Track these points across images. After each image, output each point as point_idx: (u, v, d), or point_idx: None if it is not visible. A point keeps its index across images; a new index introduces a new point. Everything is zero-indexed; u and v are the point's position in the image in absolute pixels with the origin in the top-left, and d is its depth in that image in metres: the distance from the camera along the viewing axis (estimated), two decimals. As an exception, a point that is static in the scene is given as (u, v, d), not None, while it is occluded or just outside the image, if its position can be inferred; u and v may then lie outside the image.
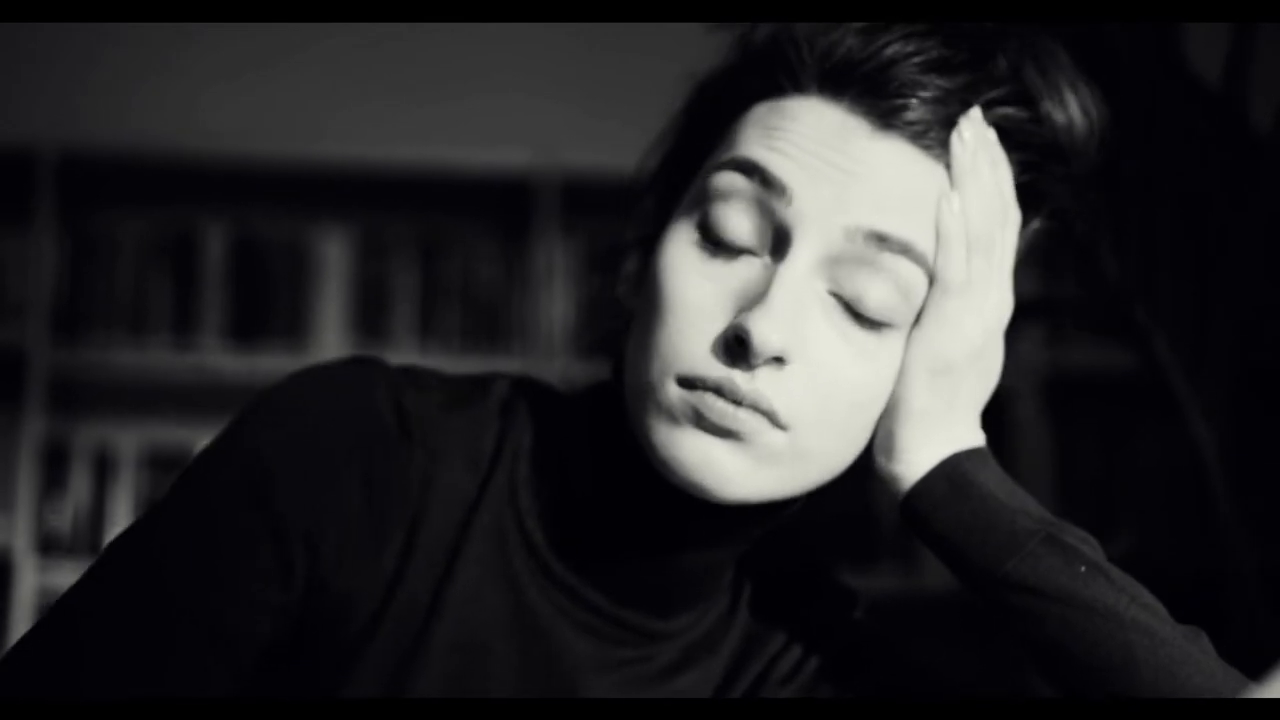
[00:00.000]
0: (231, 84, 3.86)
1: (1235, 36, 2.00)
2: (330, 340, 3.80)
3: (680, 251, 1.01)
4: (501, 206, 3.87)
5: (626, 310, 1.09)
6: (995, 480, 1.03)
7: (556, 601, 1.07)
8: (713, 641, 1.12)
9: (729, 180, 1.00)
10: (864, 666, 1.14)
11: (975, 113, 1.02)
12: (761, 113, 1.02)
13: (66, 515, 3.67)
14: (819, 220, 0.98)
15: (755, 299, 0.97)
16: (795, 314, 0.97)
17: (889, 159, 1.00)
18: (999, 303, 1.04)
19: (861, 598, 1.19)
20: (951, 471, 1.02)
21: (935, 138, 1.01)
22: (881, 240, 0.99)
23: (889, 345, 1.01)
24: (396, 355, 3.74)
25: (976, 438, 1.05)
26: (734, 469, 0.99)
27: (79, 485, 3.72)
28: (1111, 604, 0.98)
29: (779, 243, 0.99)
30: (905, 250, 1.00)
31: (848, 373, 1.00)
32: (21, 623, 3.51)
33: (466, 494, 1.07)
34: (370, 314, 3.83)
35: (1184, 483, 3.77)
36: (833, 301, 0.99)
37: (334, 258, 3.86)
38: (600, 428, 1.07)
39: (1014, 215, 1.05)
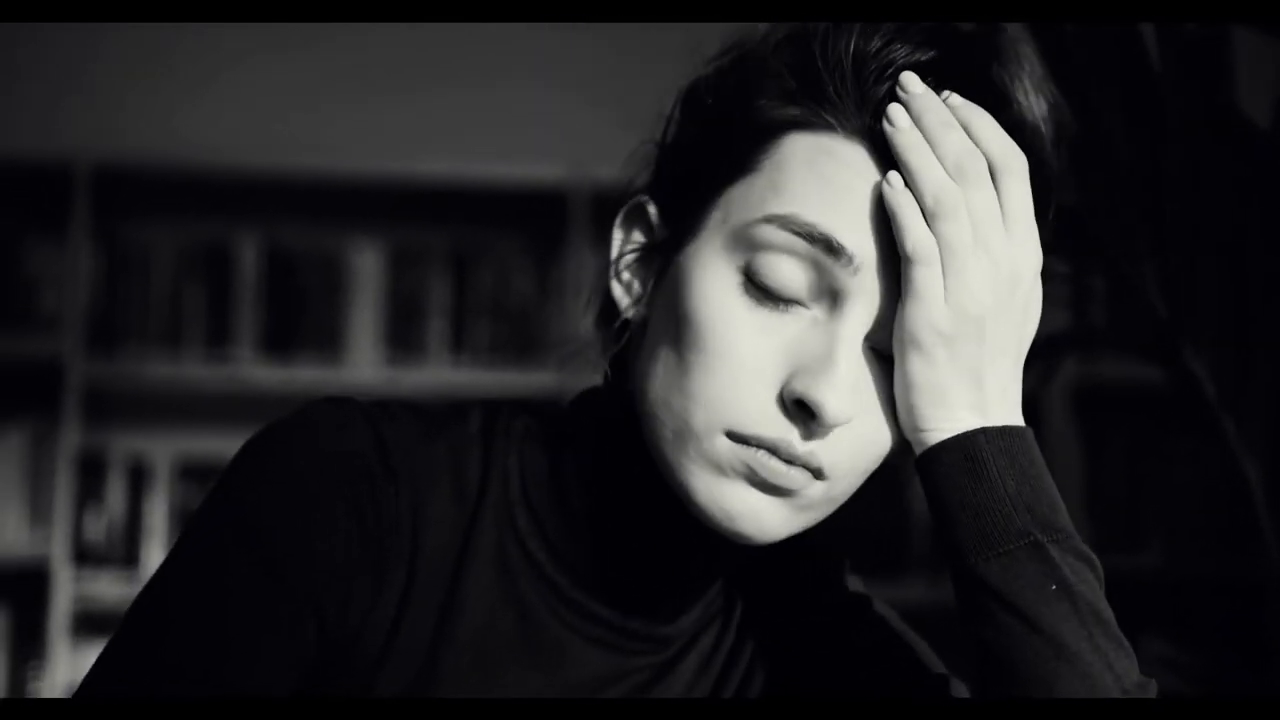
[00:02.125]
0: (266, 97, 3.88)
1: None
2: (363, 352, 3.82)
3: (726, 299, 0.99)
4: (534, 220, 3.89)
5: (627, 319, 1.08)
6: (1013, 468, 0.99)
7: (565, 618, 1.07)
8: (713, 624, 1.13)
9: (785, 238, 0.98)
10: (852, 638, 1.15)
11: (910, 82, 0.99)
12: (808, 151, 0.99)
13: (102, 526, 3.70)
14: (880, 290, 0.98)
15: (817, 362, 0.97)
16: (857, 384, 0.98)
17: None
18: (997, 264, 0.98)
19: (845, 559, 1.19)
20: (968, 445, 0.99)
21: None
22: None
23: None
24: (429, 367, 3.77)
25: (1011, 416, 1.00)
26: (776, 519, 1.00)
27: (115, 496, 3.74)
28: (1059, 631, 0.96)
29: (834, 300, 0.98)
30: None
31: (881, 423, 1.00)
32: (59, 632, 3.53)
33: (459, 522, 1.06)
34: (403, 326, 3.84)
35: (1213, 496, 3.77)
36: (870, 353, 1.00)
37: (367, 270, 3.87)
38: (599, 444, 1.08)
39: (1014, 164, 0.99)
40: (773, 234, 0.98)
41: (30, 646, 3.64)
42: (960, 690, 1.12)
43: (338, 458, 1.03)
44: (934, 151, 0.98)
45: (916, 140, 0.98)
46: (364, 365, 3.78)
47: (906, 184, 0.97)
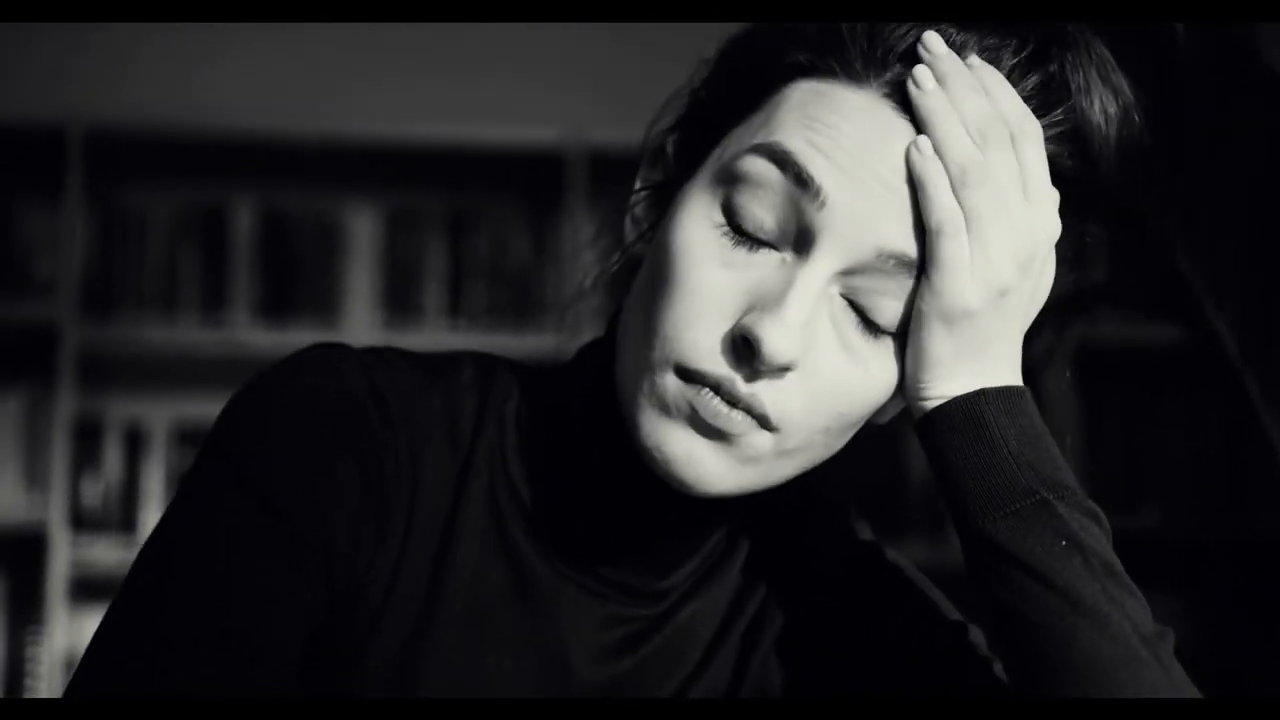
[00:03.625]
0: (261, 59, 3.86)
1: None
2: (360, 316, 3.81)
3: (699, 232, 0.97)
4: (530, 183, 3.88)
5: (635, 255, 1.07)
6: (1014, 428, 0.98)
7: (556, 567, 1.06)
8: (714, 575, 1.11)
9: (761, 168, 0.95)
10: (865, 586, 1.14)
11: (933, 42, 0.97)
12: (805, 94, 0.97)
13: (99, 491, 3.69)
14: (850, 233, 0.95)
15: (770, 300, 0.94)
16: (808, 323, 0.94)
17: None
18: (1018, 233, 0.97)
19: (853, 507, 1.18)
20: (969, 407, 0.98)
21: None
22: (910, 262, 0.96)
23: (885, 350, 0.98)
24: (426, 330, 3.76)
25: (1009, 377, 1.00)
26: (715, 469, 0.97)
27: (111, 461, 3.73)
28: (1073, 585, 0.95)
29: (802, 242, 0.95)
30: None
31: (844, 380, 0.97)
32: (57, 598, 3.53)
33: (453, 469, 1.05)
34: (399, 290, 3.83)
35: (1211, 457, 3.77)
36: (842, 305, 0.97)
37: (363, 233, 3.86)
38: (591, 395, 1.06)
39: (1029, 128, 0.98)
40: (751, 164, 0.96)
41: (28, 612, 3.64)
42: (978, 637, 1.11)
43: (336, 402, 1.02)
44: (958, 116, 0.96)
45: (943, 104, 0.96)
46: (361, 329, 3.77)
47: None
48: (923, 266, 0.96)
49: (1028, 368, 1.02)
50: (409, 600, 1.03)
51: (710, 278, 0.96)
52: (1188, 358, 2.07)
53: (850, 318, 0.97)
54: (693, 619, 1.10)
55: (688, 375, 0.96)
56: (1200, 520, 3.75)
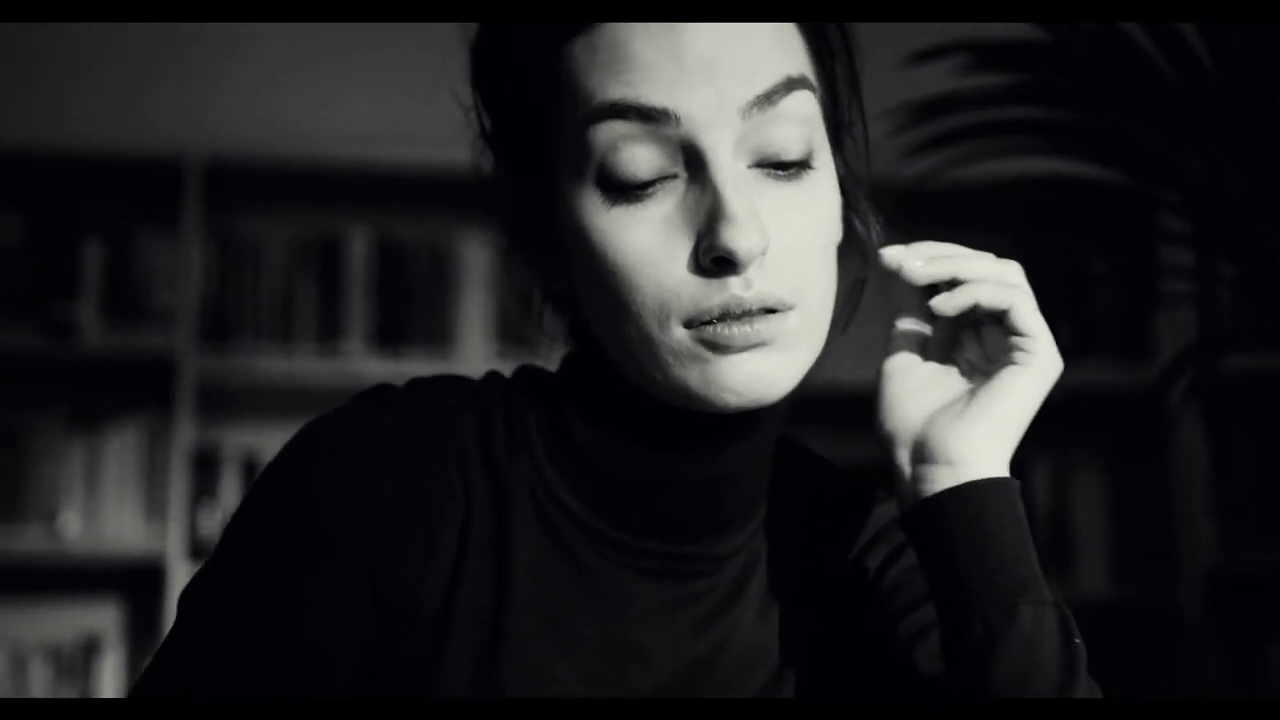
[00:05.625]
0: (375, 89, 3.87)
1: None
2: (474, 345, 3.80)
3: (600, 218, 1.02)
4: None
5: (554, 295, 1.14)
6: (1026, 522, 1.05)
7: (616, 559, 1.09)
8: (770, 543, 1.15)
9: (608, 130, 1.00)
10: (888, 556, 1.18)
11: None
12: (583, 55, 1.02)
13: (217, 522, 3.70)
14: (715, 121, 1.00)
15: (709, 215, 0.99)
16: (752, 210, 0.99)
17: (724, 30, 1.01)
18: None
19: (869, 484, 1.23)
20: (1009, 492, 1.04)
21: None
22: (769, 96, 1.01)
23: (817, 184, 1.04)
24: (540, 360, 3.73)
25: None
26: (776, 370, 1.01)
27: (229, 492, 3.74)
28: (1069, 687, 0.99)
29: (691, 158, 1.00)
30: (790, 86, 1.02)
31: (803, 229, 1.02)
32: (172, 627, 3.53)
33: (496, 489, 1.08)
34: (513, 318, 3.82)
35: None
36: (754, 174, 1.02)
37: (477, 262, 3.85)
38: (593, 395, 1.10)
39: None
40: (598, 134, 1.01)
41: (147, 642, 3.66)
42: None
43: (376, 436, 1.06)
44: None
45: (963, 259, 1.08)
46: (475, 358, 3.76)
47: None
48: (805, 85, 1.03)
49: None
50: (476, 614, 1.06)
51: (645, 240, 1.01)
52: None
53: (769, 177, 1.02)
54: (762, 590, 1.13)
55: (695, 322, 1.00)
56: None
